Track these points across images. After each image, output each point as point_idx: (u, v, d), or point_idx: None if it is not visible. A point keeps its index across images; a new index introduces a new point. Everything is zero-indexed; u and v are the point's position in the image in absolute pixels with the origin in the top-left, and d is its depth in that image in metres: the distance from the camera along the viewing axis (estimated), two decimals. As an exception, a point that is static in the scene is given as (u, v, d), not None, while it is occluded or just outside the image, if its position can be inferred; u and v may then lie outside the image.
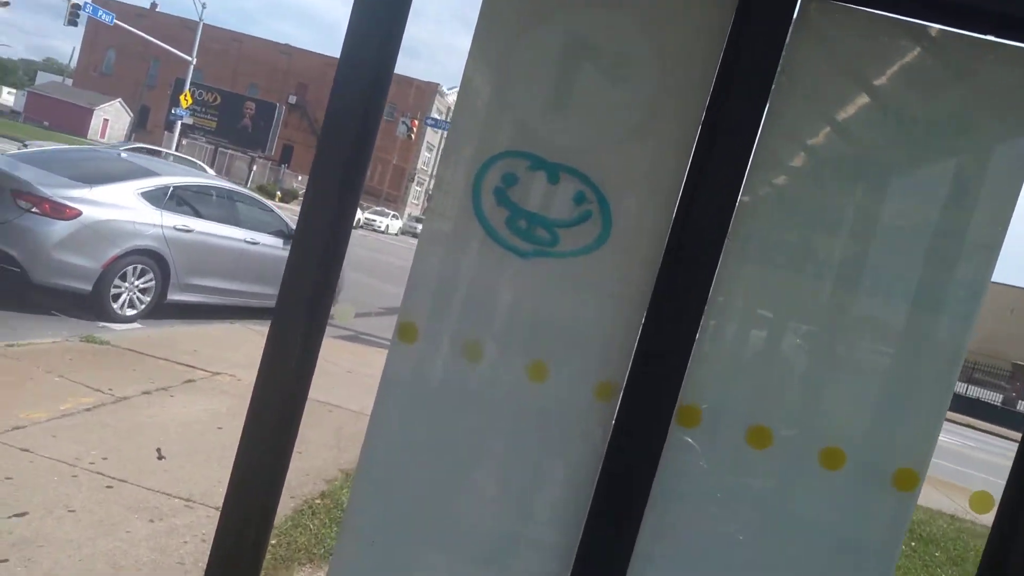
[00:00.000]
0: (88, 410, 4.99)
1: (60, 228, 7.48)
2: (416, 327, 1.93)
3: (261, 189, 45.48)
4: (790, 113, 1.82)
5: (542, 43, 1.87)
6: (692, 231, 1.75)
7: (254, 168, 46.99)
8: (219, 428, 5.21)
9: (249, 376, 6.93)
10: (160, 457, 4.55)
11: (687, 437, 1.87)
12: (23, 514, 3.46)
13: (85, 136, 61.16)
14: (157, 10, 65.44)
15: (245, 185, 45.01)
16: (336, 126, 1.79)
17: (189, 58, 37.81)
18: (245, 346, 7.65)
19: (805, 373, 1.88)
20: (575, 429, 1.92)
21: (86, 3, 30.28)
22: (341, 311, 1.91)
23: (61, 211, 7.47)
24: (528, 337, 1.92)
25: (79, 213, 7.58)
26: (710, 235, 1.75)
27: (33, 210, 7.37)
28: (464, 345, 1.91)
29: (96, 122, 63.88)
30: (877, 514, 1.86)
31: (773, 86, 1.71)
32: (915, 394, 1.84)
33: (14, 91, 74.93)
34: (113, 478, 4.08)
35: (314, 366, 1.90)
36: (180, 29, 52.18)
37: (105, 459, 4.29)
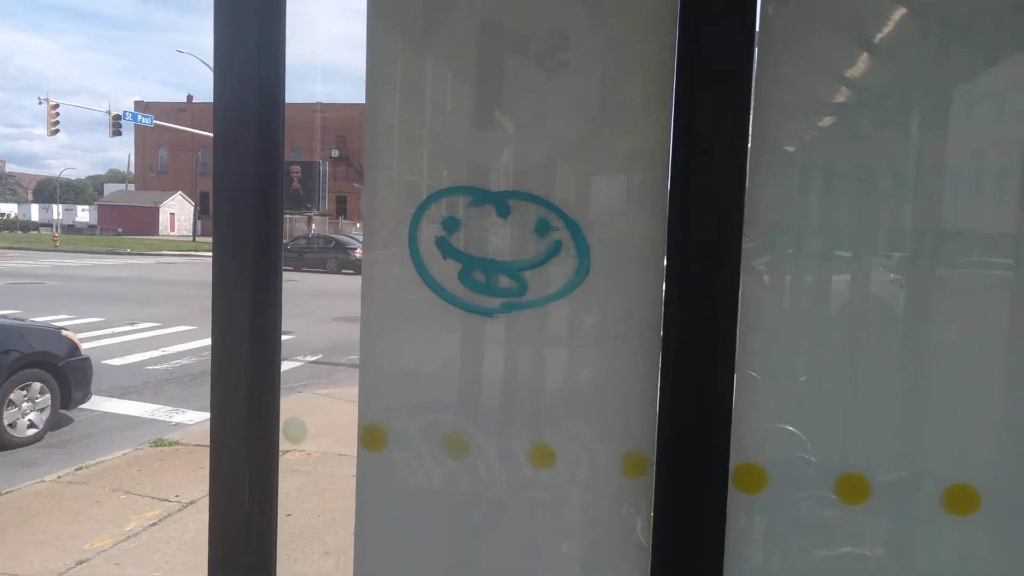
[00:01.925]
0: (153, 525, 4.81)
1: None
2: (383, 429, 1.53)
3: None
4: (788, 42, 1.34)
5: (453, 39, 1.45)
6: (695, 238, 1.29)
7: (313, 226, 48.07)
8: (288, 515, 4.95)
9: (319, 447, 6.74)
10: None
11: (754, 506, 1.39)
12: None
13: (157, 233, 64.09)
14: (194, 101, 68.17)
15: (308, 243, 46.10)
16: (226, 175, 1.42)
17: (231, 138, 38.95)
18: (312, 415, 7.45)
19: (901, 394, 1.37)
20: (606, 519, 1.47)
21: (125, 112, 31.66)
22: (292, 429, 1.54)
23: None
24: (520, 416, 1.49)
25: None
26: (719, 236, 1.29)
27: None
28: (443, 441, 1.50)
29: (164, 218, 66.85)
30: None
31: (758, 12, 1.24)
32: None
33: (87, 207, 79.34)
34: (178, 600, 3.84)
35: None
36: (219, 112, 53.98)
37: (169, 580, 4.07)
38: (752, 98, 1.28)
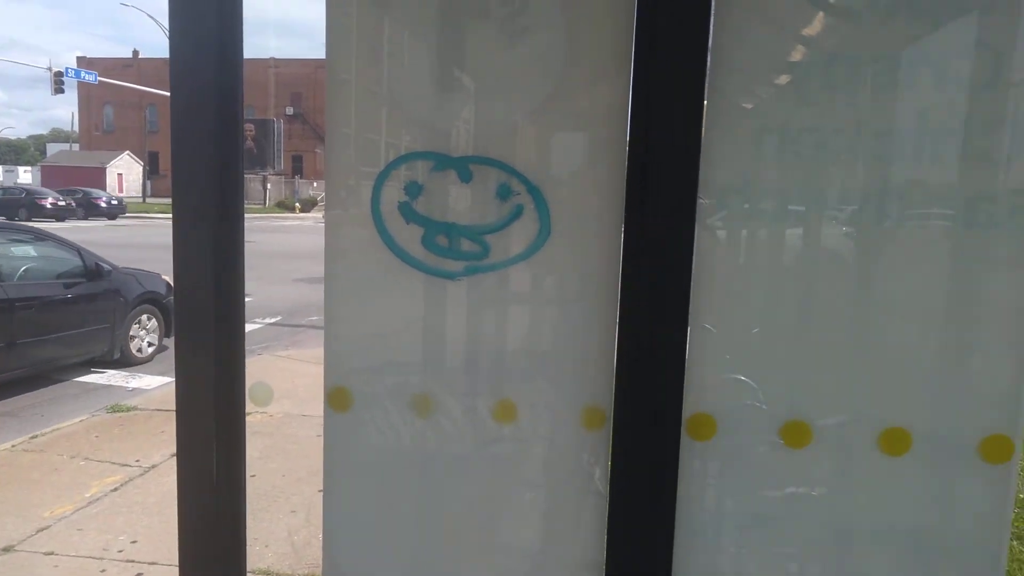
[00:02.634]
0: (115, 490, 4.80)
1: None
2: (348, 391, 1.56)
3: (280, 205, 45.70)
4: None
5: (413, 3, 1.46)
6: (653, 196, 1.34)
7: (268, 187, 47.14)
8: (252, 476, 4.97)
9: (281, 409, 6.75)
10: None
11: (705, 452, 1.47)
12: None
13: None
14: (141, 57, 65.63)
15: (264, 204, 45.29)
16: (186, 133, 1.42)
17: (179, 95, 37.66)
18: (274, 378, 7.43)
19: (839, 344, 1.45)
20: (567, 468, 1.54)
21: (67, 68, 30.36)
22: (258, 392, 1.57)
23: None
24: (483, 374, 1.54)
25: None
26: (676, 194, 1.33)
27: None
28: (410, 400, 1.54)
29: (111, 179, 64.73)
30: (966, 499, 1.45)
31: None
32: (993, 339, 1.41)
33: (29, 168, 76.36)
34: (144, 562, 3.86)
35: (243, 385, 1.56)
36: (167, 69, 52.18)
37: (135, 543, 4.08)
38: (708, 58, 1.32)
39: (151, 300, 8.86)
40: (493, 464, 1.55)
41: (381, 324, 1.55)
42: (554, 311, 1.50)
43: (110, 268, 8.46)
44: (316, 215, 40.83)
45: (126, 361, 8.45)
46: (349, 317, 1.54)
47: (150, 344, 8.83)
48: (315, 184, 51.29)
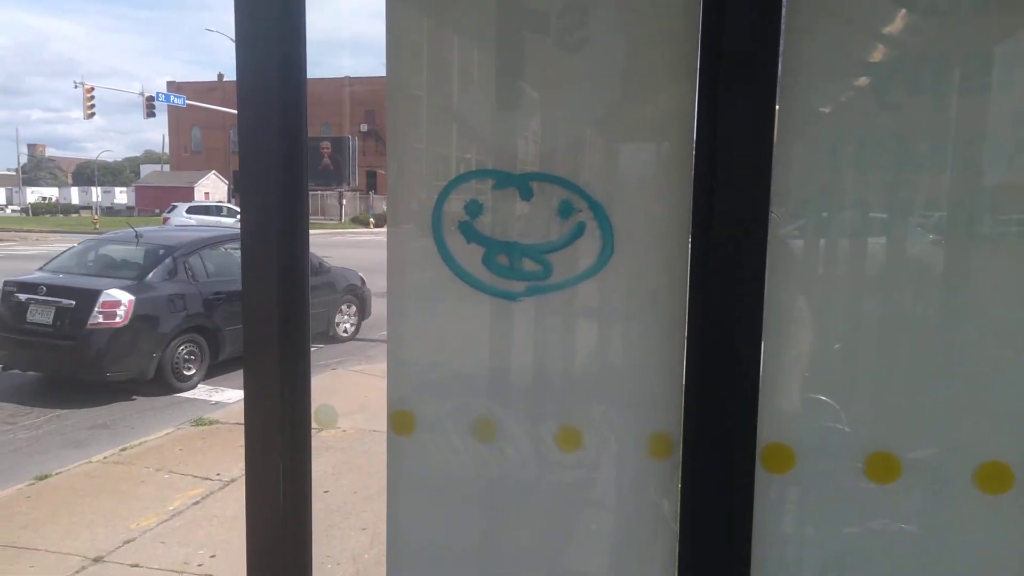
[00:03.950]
0: (196, 503, 4.95)
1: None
2: (411, 414, 1.54)
3: (355, 220, 46.82)
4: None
5: (472, 18, 1.43)
6: (721, 210, 1.27)
7: (343, 202, 48.39)
8: (325, 492, 5.06)
9: (354, 424, 6.85)
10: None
11: (782, 484, 1.38)
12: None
13: (192, 213, 65.00)
14: (225, 80, 68.64)
15: (340, 220, 46.57)
16: (252, 157, 1.42)
17: (260, 117, 39.11)
18: (347, 392, 7.56)
19: (929, 368, 1.34)
20: (633, 500, 1.47)
21: (158, 93, 32.02)
22: (323, 415, 1.57)
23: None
24: (547, 399, 1.49)
25: None
26: (746, 207, 1.26)
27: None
28: (472, 424, 1.51)
29: (199, 196, 67.82)
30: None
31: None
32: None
33: (124, 189, 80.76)
34: (222, 576, 3.96)
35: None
36: (248, 92, 54.13)
37: (213, 557, 4.19)
38: (779, 62, 1.24)
39: (351, 291, 11.03)
40: (556, 492, 1.50)
41: (443, 346, 1.52)
42: (618, 332, 1.44)
43: (329, 266, 10.81)
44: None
45: (335, 339, 10.53)
46: (411, 339, 1.52)
47: (352, 325, 11.02)
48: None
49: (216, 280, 8.95)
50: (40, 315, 7.98)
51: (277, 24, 1.40)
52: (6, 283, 8.47)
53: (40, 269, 9.21)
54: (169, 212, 33.61)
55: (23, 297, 8.14)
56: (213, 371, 8.75)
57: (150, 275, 8.50)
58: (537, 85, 1.41)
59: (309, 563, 1.61)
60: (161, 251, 8.82)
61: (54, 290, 8.11)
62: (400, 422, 1.55)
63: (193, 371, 8.54)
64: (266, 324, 1.47)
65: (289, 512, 1.55)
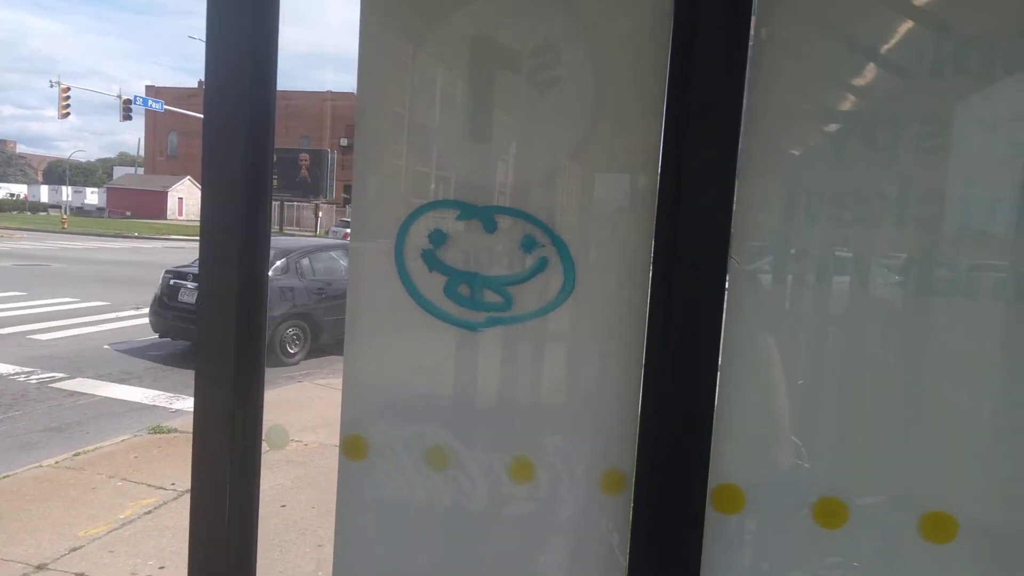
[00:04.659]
0: (148, 513, 4.84)
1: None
2: (364, 439, 1.53)
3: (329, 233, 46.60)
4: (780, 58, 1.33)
5: (443, 53, 1.45)
6: (682, 252, 1.29)
7: (320, 214, 48.17)
8: (283, 506, 4.98)
9: (316, 438, 6.76)
10: (220, 556, 4.33)
11: (730, 525, 1.39)
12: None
13: (165, 217, 64.25)
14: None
15: (315, 231, 46.38)
16: (216, 163, 1.41)
17: (240, 124, 38.86)
18: (312, 405, 7.47)
19: (881, 419, 1.37)
20: (583, 534, 1.47)
21: (136, 96, 31.71)
22: (274, 436, 1.56)
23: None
24: (501, 429, 1.49)
25: None
26: (706, 251, 1.28)
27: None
28: (425, 452, 1.50)
29: (172, 203, 67.01)
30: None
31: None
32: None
33: (96, 190, 79.54)
34: (170, 590, 3.87)
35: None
36: (229, 98, 53.67)
37: (162, 568, 4.10)
38: (742, 121, 1.27)
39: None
40: (507, 524, 1.49)
41: (400, 373, 1.51)
42: (576, 367, 1.45)
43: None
44: (365, 244, 41.52)
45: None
46: (368, 364, 1.52)
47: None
48: (366, 213, 52.19)
49: (320, 279, 10.83)
50: (188, 296, 10.11)
51: (249, 32, 1.40)
52: (166, 271, 10.83)
53: (192, 263, 10.49)
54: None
55: (177, 282, 10.42)
56: (313, 353, 10.43)
57: (269, 270, 9.31)
58: (506, 119, 1.43)
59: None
60: (279, 252, 10.60)
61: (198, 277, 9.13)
62: (352, 446, 1.54)
63: (296, 350, 10.35)
64: (222, 335, 1.45)
65: (234, 535, 1.53)
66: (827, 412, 1.38)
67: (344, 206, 51.82)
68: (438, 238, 1.44)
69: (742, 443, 1.37)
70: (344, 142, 54.29)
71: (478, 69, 1.44)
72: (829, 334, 1.37)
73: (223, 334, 1.46)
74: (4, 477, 5.37)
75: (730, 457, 1.37)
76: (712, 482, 1.35)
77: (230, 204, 1.43)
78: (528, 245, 1.41)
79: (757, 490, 1.38)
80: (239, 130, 1.40)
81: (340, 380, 1.53)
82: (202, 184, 1.44)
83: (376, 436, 1.52)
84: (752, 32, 1.28)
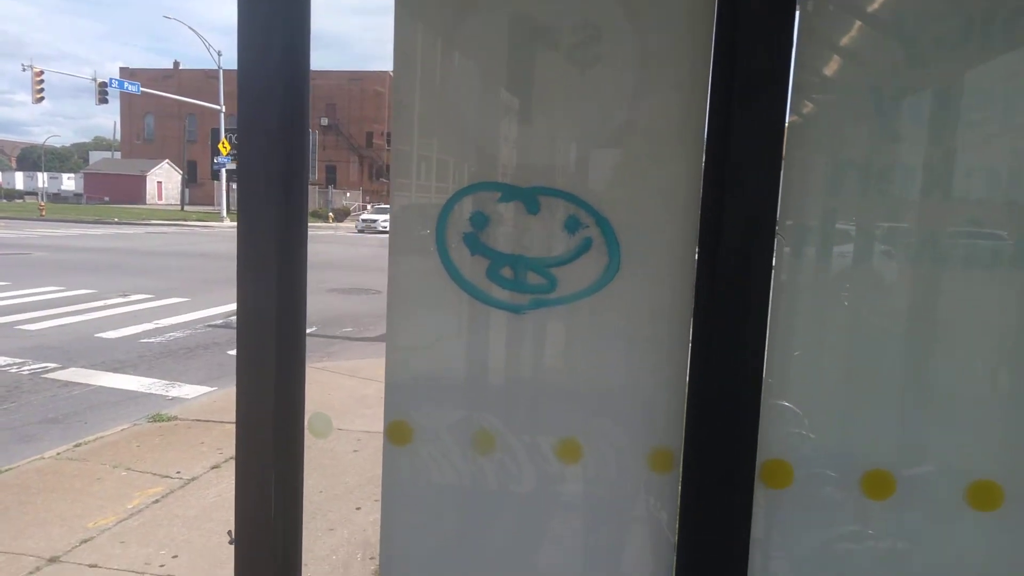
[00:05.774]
0: (156, 502, 4.83)
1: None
2: (408, 425, 1.53)
3: (314, 214, 46.22)
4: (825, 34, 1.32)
5: (481, 31, 1.43)
6: (729, 230, 1.29)
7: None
8: (291, 492, 4.97)
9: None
10: (231, 541, 4.33)
11: (780, 500, 1.41)
12: (92, 645, 3.26)
13: (144, 202, 63.45)
14: (181, 68, 66.99)
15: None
16: (250, 137, 1.39)
17: (218, 107, 38.44)
18: (311, 389, 7.44)
19: (929, 391, 1.38)
20: (632, 513, 1.48)
21: (111, 79, 31.11)
22: (317, 423, 1.55)
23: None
24: (548, 411, 1.49)
25: None
26: (753, 228, 1.28)
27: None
28: (471, 436, 1.50)
29: (151, 187, 66.13)
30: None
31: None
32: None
33: (72, 175, 78.25)
34: (185, 578, 3.87)
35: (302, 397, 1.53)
36: (205, 80, 53.00)
37: (176, 557, 4.09)
38: (789, 97, 1.27)
39: None
40: (555, 505, 1.50)
41: (444, 358, 1.51)
42: (622, 347, 1.45)
43: None
44: (349, 225, 41.23)
45: None
46: (411, 349, 1.51)
47: None
48: (348, 194, 51.93)
49: None
50: None
51: (282, 11, 1.37)
52: None
53: None
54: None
55: None
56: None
57: None
58: (546, 99, 1.41)
59: (299, 566, 1.60)
60: None
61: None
62: (397, 432, 1.54)
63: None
64: (262, 322, 1.43)
65: (279, 526, 1.53)
66: (872, 385, 1.39)
67: (327, 186, 51.39)
68: (480, 221, 1.43)
69: (790, 418, 1.38)
70: (325, 122, 53.70)
71: (515, 51, 1.42)
72: (875, 308, 1.38)
73: (264, 319, 1.44)
74: (6, 470, 5.33)
75: (779, 433, 1.38)
76: (760, 457, 1.36)
77: (266, 195, 1.40)
78: (572, 226, 1.40)
79: (805, 465, 1.39)
80: (272, 112, 1.38)
81: (337, 363, 1.52)
82: (238, 169, 1.42)
83: (420, 421, 1.52)
84: (798, 5, 1.27)
